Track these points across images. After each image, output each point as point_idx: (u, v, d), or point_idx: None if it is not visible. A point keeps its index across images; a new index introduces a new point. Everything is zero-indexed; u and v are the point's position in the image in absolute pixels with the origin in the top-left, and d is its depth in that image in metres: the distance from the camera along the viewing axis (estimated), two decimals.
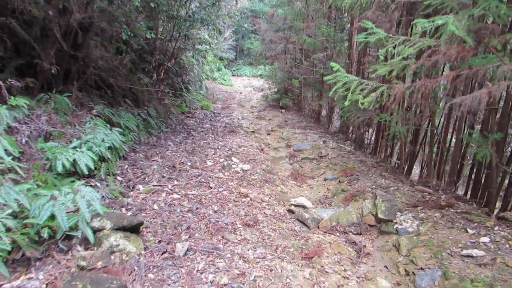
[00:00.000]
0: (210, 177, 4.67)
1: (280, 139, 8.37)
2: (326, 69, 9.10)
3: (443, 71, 5.54)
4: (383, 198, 3.95)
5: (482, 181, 4.88)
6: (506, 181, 4.77)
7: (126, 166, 4.67)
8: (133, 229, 2.85)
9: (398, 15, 4.88)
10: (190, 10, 7.59)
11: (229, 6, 9.27)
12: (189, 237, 3.09)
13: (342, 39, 8.83)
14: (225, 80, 20.87)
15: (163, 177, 4.48)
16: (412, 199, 4.34)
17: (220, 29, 8.82)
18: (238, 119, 10.99)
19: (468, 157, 5.91)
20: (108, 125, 4.84)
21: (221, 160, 5.51)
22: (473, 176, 5.19)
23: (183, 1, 6.94)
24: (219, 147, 6.55)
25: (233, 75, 25.04)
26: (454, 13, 2.99)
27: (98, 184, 3.69)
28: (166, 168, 4.83)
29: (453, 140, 5.70)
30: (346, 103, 3.27)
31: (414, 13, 5.20)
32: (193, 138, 7.17)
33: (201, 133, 7.97)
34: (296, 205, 4.12)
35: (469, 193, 5.25)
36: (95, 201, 2.72)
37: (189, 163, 5.13)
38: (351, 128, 8.43)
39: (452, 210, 3.93)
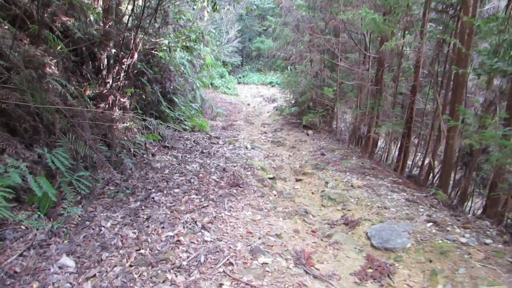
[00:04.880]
0: None
1: (326, 198, 4.43)
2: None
3: None
4: None
5: None
6: None
7: None
8: None
9: None
10: None
11: None
12: None
13: None
14: (229, 89, 17.06)
15: None
16: None
17: (214, 1, 5.00)
18: (246, 148, 7.09)
19: None
20: None
21: None
22: None
23: None
24: (204, 261, 2.63)
25: (238, 83, 21.23)
26: None
27: None
28: None
29: None
30: None
31: None
32: (149, 216, 3.26)
33: (175, 191, 4.07)
34: None
35: None
36: None
37: None
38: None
39: None
